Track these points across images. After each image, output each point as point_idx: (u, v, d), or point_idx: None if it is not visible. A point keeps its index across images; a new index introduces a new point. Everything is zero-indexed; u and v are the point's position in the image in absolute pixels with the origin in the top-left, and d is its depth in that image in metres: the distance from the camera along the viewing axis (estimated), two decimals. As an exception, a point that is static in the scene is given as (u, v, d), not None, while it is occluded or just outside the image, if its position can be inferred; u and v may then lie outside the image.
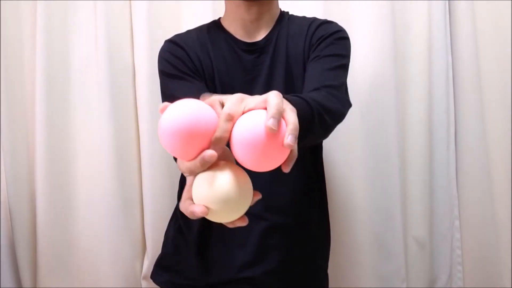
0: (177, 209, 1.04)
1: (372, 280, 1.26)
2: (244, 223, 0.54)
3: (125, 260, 1.27)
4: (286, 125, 0.49)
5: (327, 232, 1.05)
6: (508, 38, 1.23)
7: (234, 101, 0.50)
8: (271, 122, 0.47)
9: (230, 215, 0.52)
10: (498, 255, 1.27)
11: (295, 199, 0.96)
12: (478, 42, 1.26)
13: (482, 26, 1.26)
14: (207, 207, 0.50)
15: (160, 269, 1.03)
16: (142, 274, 1.28)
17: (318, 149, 1.02)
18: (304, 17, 0.98)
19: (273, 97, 0.49)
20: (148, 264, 1.26)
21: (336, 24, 0.94)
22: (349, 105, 0.86)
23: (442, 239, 1.33)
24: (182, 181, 1.04)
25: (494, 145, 1.26)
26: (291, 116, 0.50)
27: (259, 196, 0.55)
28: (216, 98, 0.53)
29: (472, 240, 1.32)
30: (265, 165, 0.50)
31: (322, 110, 0.71)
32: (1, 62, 1.21)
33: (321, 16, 1.01)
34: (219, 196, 0.50)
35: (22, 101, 1.26)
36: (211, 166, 0.51)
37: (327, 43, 0.89)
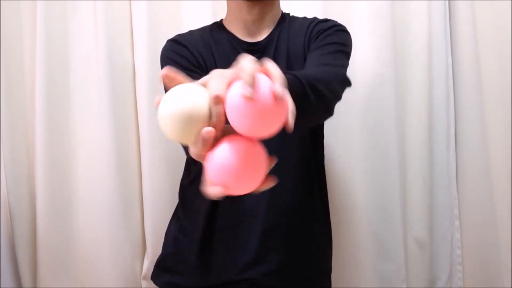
0: (178, 209, 1.04)
1: (372, 280, 1.26)
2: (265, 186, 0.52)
3: (125, 260, 1.27)
4: (271, 78, 0.48)
5: (328, 232, 1.05)
6: (508, 38, 1.23)
7: (215, 80, 0.49)
8: (245, 91, 0.45)
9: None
10: (498, 255, 1.27)
11: (296, 199, 0.95)
12: (478, 42, 1.26)
13: (482, 26, 1.25)
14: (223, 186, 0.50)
15: (161, 270, 1.03)
16: (142, 274, 1.28)
17: (319, 148, 1.02)
18: (304, 18, 0.98)
19: (245, 63, 0.48)
20: (148, 264, 1.26)
21: (336, 21, 0.95)
22: (348, 82, 0.83)
23: (442, 239, 1.33)
24: (183, 182, 1.04)
25: (494, 145, 1.26)
26: (273, 68, 0.48)
27: (274, 161, 0.53)
28: (198, 82, 0.52)
29: (472, 240, 1.32)
30: (266, 129, 0.49)
31: (313, 80, 0.68)
32: (1, 62, 1.21)
33: (321, 16, 1.01)
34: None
35: (22, 101, 1.26)
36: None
37: (327, 34, 0.90)
